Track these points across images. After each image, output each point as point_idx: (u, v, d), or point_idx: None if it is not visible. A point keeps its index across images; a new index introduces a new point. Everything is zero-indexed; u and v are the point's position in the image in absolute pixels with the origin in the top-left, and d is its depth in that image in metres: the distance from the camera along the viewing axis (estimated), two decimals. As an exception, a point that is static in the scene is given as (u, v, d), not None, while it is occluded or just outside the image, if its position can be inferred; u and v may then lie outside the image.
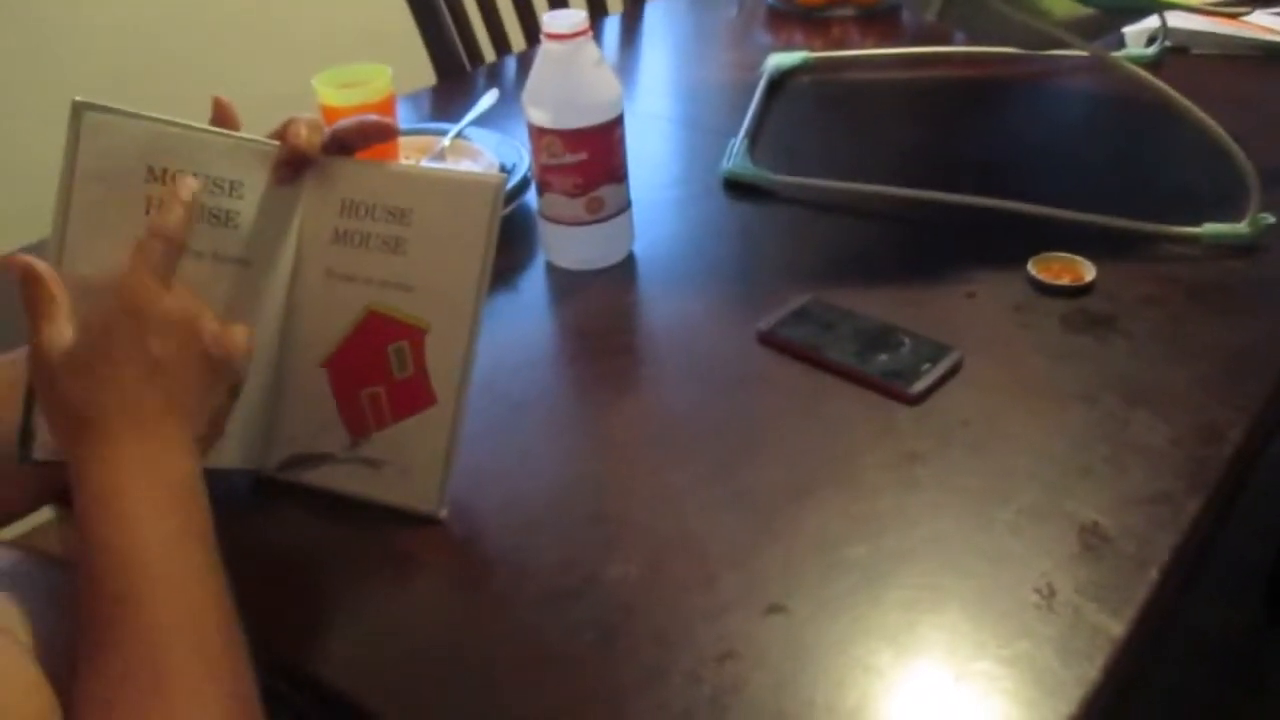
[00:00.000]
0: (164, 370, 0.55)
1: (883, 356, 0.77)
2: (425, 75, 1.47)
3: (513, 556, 0.64)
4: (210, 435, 0.59)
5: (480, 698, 0.56)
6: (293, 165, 0.64)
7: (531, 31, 1.59)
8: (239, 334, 0.59)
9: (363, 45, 1.47)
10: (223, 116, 0.64)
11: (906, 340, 0.78)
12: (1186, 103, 0.88)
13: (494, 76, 1.44)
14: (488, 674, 0.57)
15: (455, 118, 1.11)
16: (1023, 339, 0.80)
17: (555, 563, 0.63)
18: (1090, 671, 0.54)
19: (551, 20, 0.82)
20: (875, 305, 0.83)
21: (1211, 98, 0.91)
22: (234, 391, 0.60)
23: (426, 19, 1.47)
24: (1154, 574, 0.60)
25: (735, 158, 1.06)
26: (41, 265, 0.56)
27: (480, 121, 1.11)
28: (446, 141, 1.06)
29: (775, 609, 0.59)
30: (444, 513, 0.67)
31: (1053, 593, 0.59)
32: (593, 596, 0.61)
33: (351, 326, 0.67)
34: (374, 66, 1.03)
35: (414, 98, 1.34)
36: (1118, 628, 0.57)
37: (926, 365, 0.75)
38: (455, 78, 1.46)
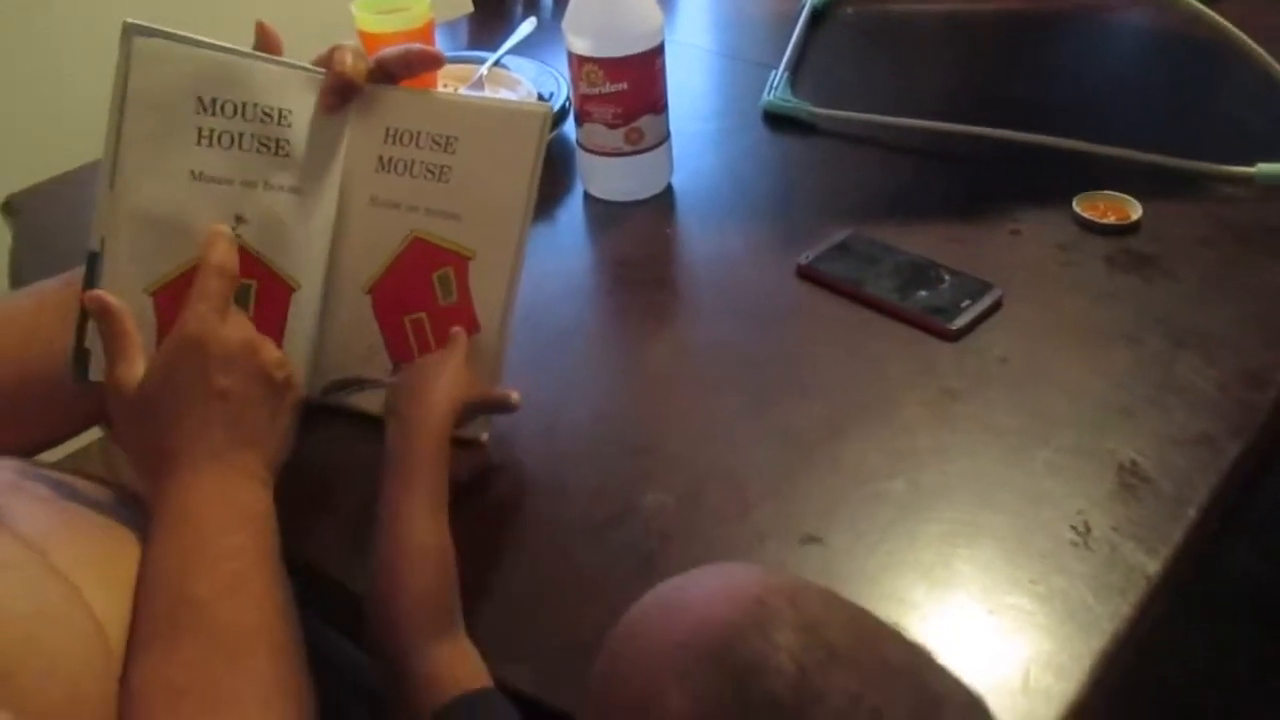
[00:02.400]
0: (230, 401, 0.56)
1: (923, 292, 0.76)
2: (463, 3, 1.45)
3: (552, 484, 0.65)
4: (282, 453, 0.60)
5: (516, 622, 0.57)
6: (339, 93, 0.64)
7: (570, -41, 1.56)
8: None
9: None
10: (267, 42, 0.64)
11: (947, 277, 0.78)
12: (1244, 38, 0.86)
13: (531, 5, 1.42)
14: (525, 599, 0.58)
15: (493, 46, 1.10)
16: (1066, 278, 0.79)
17: (594, 491, 0.64)
18: (1124, 608, 0.55)
19: (595, -55, 0.81)
20: (916, 241, 0.83)
21: (1271, 33, 0.89)
22: (297, 406, 0.61)
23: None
24: (1192, 514, 0.60)
25: (776, 90, 1.05)
26: (115, 303, 0.57)
27: (518, 50, 1.10)
28: (485, 70, 1.05)
29: (810, 540, 0.60)
30: (485, 437, 0.67)
31: (1089, 530, 0.59)
32: (631, 525, 0.62)
33: (396, 253, 0.67)
34: (412, -8, 1.02)
35: (451, 26, 1.33)
36: (1153, 566, 0.57)
37: (967, 302, 0.75)
38: (493, 6, 1.44)
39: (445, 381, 0.61)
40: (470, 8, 1.45)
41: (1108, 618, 0.54)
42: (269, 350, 0.59)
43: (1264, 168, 0.88)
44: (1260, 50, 0.85)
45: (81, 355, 0.61)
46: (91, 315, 0.58)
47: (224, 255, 0.59)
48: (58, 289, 0.64)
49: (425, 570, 0.54)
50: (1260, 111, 0.95)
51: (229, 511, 0.54)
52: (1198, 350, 0.71)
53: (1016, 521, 0.60)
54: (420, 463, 0.57)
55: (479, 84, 1.04)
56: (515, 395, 0.66)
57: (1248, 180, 0.88)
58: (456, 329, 0.66)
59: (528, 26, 1.13)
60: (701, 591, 0.39)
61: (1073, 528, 0.59)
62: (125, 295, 0.60)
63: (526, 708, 0.53)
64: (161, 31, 0.59)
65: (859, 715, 0.34)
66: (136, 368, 0.56)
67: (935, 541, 0.59)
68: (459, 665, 0.52)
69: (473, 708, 0.50)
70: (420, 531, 0.55)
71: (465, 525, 0.62)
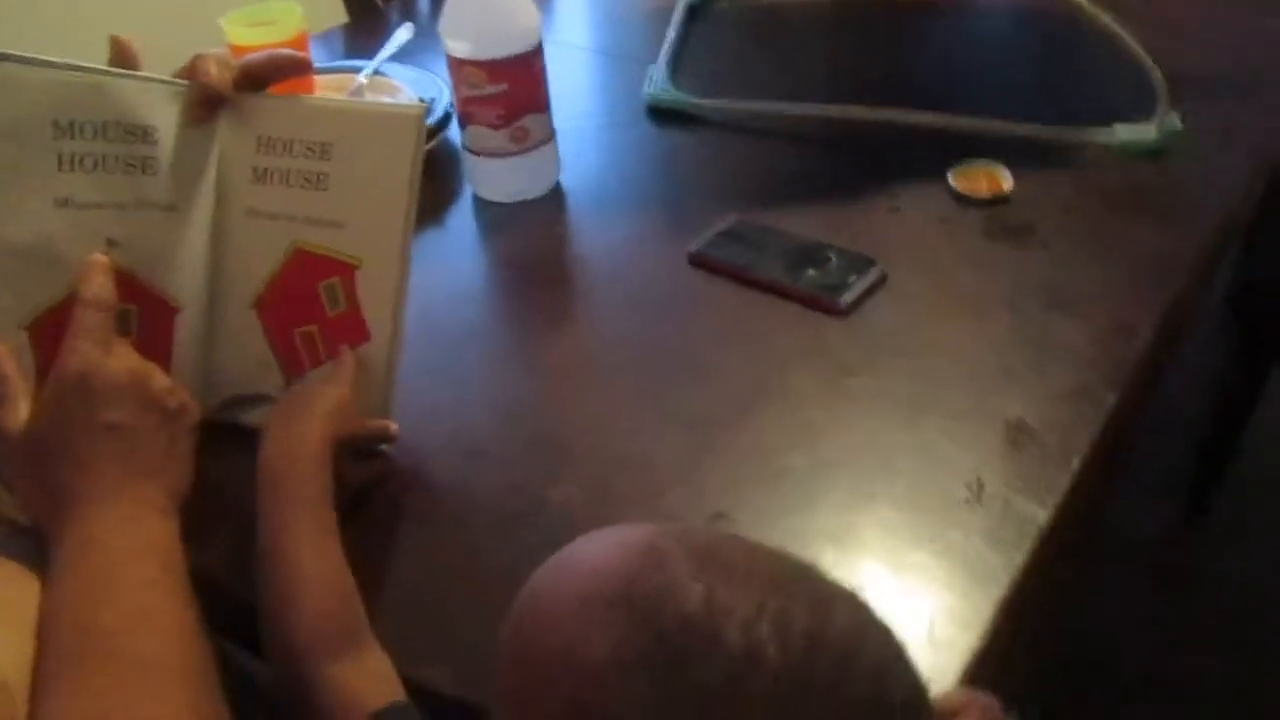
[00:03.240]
0: (122, 435, 0.54)
1: (810, 271, 0.78)
2: (336, 13, 1.43)
3: (459, 486, 0.65)
4: (184, 481, 0.58)
5: (430, 624, 0.57)
6: (206, 104, 0.62)
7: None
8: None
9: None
10: (122, 56, 0.62)
11: (833, 255, 0.80)
12: (1099, 13, 0.90)
13: (408, 12, 1.40)
14: (437, 600, 0.58)
15: (370, 55, 1.09)
16: (946, 249, 0.82)
17: (502, 489, 0.64)
18: (1018, 557, 0.57)
19: (467, -53, 0.81)
20: (801, 223, 0.85)
21: (1126, 7, 0.93)
22: (193, 431, 0.60)
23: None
24: (1076, 463, 0.62)
25: (657, 84, 1.06)
26: None
27: (397, 57, 1.08)
28: (363, 78, 1.04)
29: (718, 517, 0.61)
30: (387, 446, 0.67)
31: (981, 487, 0.61)
32: (541, 519, 0.62)
33: (279, 266, 0.66)
34: (284, 4, 1.01)
35: (326, 37, 1.31)
36: (1043, 515, 0.59)
37: (853, 278, 0.77)
38: (368, 15, 1.42)
39: (323, 409, 0.60)
40: (344, 17, 1.43)
41: (1003, 568, 0.56)
42: (158, 379, 0.57)
43: (1121, 132, 0.92)
44: (1114, 23, 0.90)
45: None
46: None
47: (100, 286, 0.57)
48: None
49: (317, 596, 0.54)
50: (1118, 83, 1.00)
51: (132, 544, 0.53)
52: (1071, 310, 0.75)
53: (913, 484, 0.62)
54: (300, 489, 0.56)
55: (358, 93, 1.03)
56: (394, 427, 0.65)
57: (1108, 147, 0.93)
58: (345, 349, 0.65)
59: (405, 33, 1.12)
60: (594, 548, 0.41)
61: (966, 486, 0.62)
62: None
63: (449, 709, 0.53)
64: (9, 55, 0.57)
65: (765, 618, 0.36)
66: (20, 410, 0.55)
67: (838, 509, 0.61)
68: (365, 683, 0.52)
69: None
70: (308, 560, 0.55)
71: (370, 531, 0.62)
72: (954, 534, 0.58)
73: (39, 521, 0.54)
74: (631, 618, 0.36)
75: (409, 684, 0.53)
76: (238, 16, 0.99)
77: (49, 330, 0.59)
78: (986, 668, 0.53)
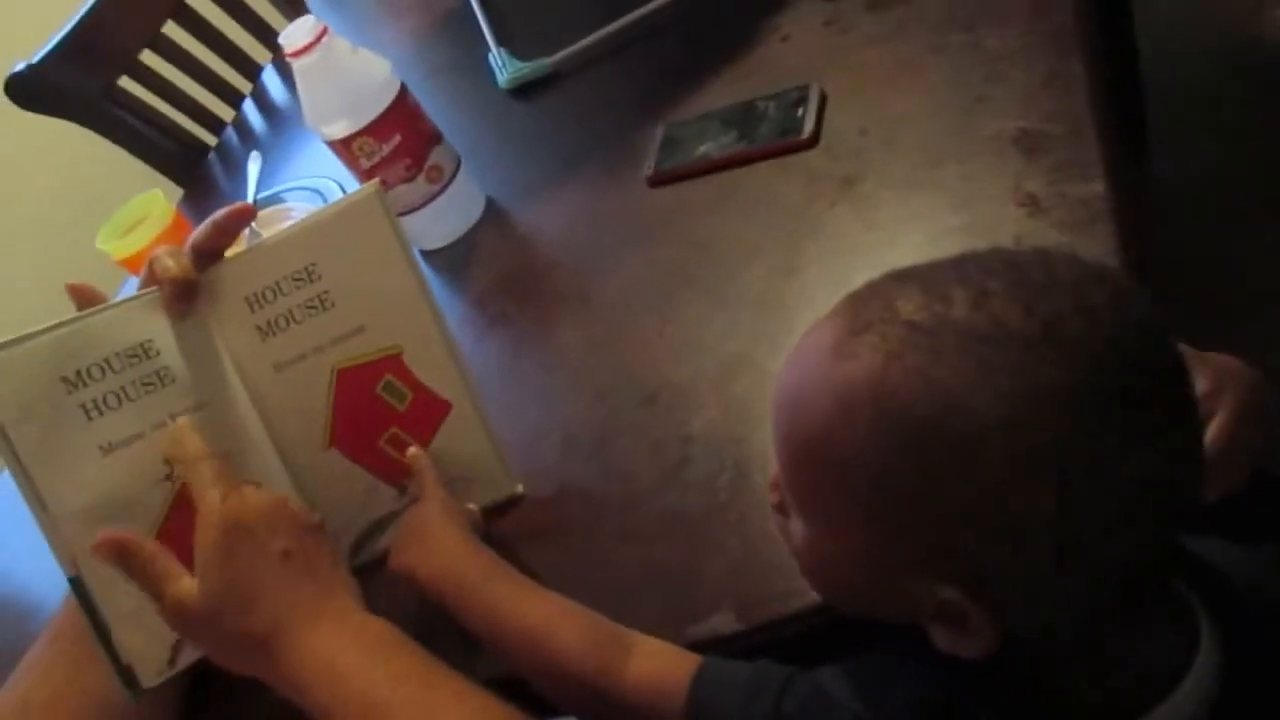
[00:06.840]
0: (296, 559, 0.55)
1: (761, 128, 0.80)
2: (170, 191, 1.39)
3: (603, 477, 0.67)
4: (356, 587, 0.59)
5: (674, 592, 0.59)
6: (182, 297, 0.62)
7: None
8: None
9: (91, 205, 1.37)
10: (86, 298, 0.62)
11: (769, 103, 0.81)
12: None
13: (228, 147, 1.36)
14: (665, 568, 0.60)
15: (237, 198, 1.07)
16: (848, 38, 0.84)
17: (645, 449, 0.66)
18: (1106, 227, 0.60)
19: (289, 39, 0.80)
20: (718, 95, 0.86)
21: None
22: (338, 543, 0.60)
23: (126, 141, 1.37)
24: (1089, 129, 0.65)
25: (508, 67, 1.05)
26: (123, 535, 0.55)
27: (265, 186, 1.07)
28: (254, 226, 1.02)
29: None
30: (520, 487, 0.68)
31: (1034, 198, 0.64)
32: (696, 452, 0.64)
33: (330, 397, 0.65)
34: (143, 197, 0.99)
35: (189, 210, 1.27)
36: (1098, 185, 0.62)
37: (800, 110, 0.79)
38: (193, 175, 1.37)
39: (437, 521, 0.62)
40: (177, 189, 1.39)
41: (1104, 238, 0.59)
42: (293, 501, 0.58)
43: None
44: None
45: (125, 672, 0.58)
46: (113, 561, 0.55)
47: (194, 443, 0.58)
48: (48, 647, 0.62)
49: (565, 632, 0.55)
50: None
51: (366, 649, 0.54)
52: (988, 21, 0.77)
53: (975, 229, 0.65)
54: (474, 578, 0.58)
55: (254, 234, 1.01)
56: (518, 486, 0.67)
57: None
58: (413, 454, 0.65)
59: (255, 164, 1.11)
60: (811, 335, 0.46)
61: (1020, 204, 0.64)
62: (119, 588, 0.57)
63: (732, 648, 0.54)
64: None
65: (968, 273, 0.41)
66: (186, 578, 0.55)
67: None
68: (659, 665, 0.53)
69: (710, 684, 0.51)
70: (535, 615, 0.56)
71: (567, 555, 0.64)
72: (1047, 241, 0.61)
73: (243, 672, 0.55)
74: (876, 327, 0.41)
75: (692, 648, 0.54)
76: (108, 230, 0.98)
77: (172, 533, 0.59)
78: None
